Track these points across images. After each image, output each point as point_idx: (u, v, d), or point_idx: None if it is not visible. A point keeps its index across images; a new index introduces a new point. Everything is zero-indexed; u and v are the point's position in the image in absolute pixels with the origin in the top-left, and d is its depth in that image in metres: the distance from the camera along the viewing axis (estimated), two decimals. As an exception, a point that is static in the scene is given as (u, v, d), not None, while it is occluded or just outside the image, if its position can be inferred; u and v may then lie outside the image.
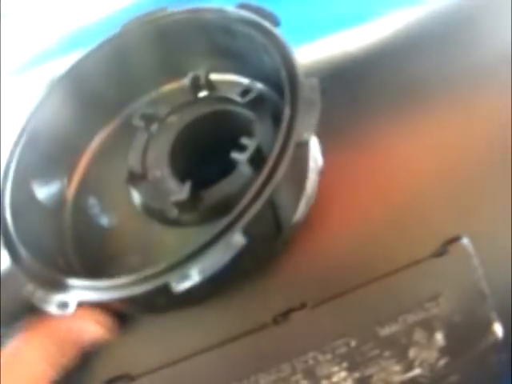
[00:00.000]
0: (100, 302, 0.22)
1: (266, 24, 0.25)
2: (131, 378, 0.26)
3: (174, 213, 0.26)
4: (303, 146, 0.22)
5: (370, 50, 0.28)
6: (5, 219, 0.25)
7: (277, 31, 0.25)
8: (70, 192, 0.29)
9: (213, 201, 0.25)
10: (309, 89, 0.23)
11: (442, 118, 0.27)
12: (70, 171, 0.29)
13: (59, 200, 0.29)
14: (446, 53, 0.28)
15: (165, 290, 0.22)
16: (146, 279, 0.21)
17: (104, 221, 0.28)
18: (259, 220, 0.21)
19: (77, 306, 0.21)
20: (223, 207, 0.24)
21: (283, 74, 0.23)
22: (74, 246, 0.27)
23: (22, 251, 0.24)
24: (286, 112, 0.22)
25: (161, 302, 0.24)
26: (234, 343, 0.26)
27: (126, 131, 0.29)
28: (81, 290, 0.22)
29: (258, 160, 0.25)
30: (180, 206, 0.25)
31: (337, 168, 0.26)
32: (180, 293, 0.21)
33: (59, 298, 0.22)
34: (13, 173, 0.26)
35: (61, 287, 0.22)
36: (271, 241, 0.25)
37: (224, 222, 0.21)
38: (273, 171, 0.21)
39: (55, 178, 0.29)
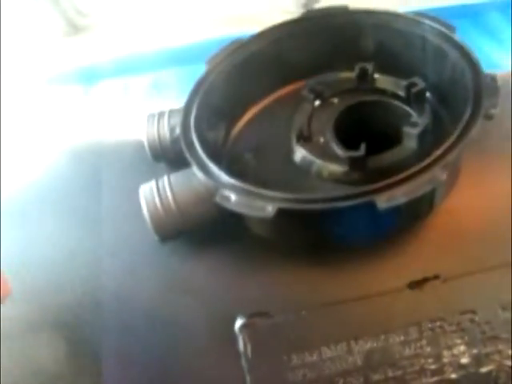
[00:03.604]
0: (300, 211, 0.24)
1: (445, 30, 0.29)
2: (269, 316, 0.27)
3: (337, 170, 0.29)
4: (489, 119, 0.25)
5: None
6: (194, 144, 0.28)
7: (454, 35, 0.29)
8: (230, 140, 0.32)
9: (378, 165, 0.28)
10: (489, 79, 0.26)
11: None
12: (232, 123, 0.32)
13: (220, 144, 0.31)
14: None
15: (343, 221, 0.25)
16: (352, 196, 0.23)
17: (259, 172, 0.30)
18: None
19: (276, 212, 0.23)
20: (385, 173, 0.27)
21: (466, 67, 0.27)
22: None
23: (213, 168, 0.26)
24: (471, 91, 0.26)
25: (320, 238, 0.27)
26: (369, 300, 0.28)
27: (289, 101, 0.33)
28: (281, 201, 0.24)
29: (423, 137, 0.28)
30: (352, 163, 0.28)
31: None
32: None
33: (259, 204, 0.24)
34: (194, 112, 0.29)
35: (260, 196, 0.24)
36: (422, 211, 0.28)
37: (428, 160, 0.24)
38: (466, 129, 0.24)
39: (219, 126, 0.32)
